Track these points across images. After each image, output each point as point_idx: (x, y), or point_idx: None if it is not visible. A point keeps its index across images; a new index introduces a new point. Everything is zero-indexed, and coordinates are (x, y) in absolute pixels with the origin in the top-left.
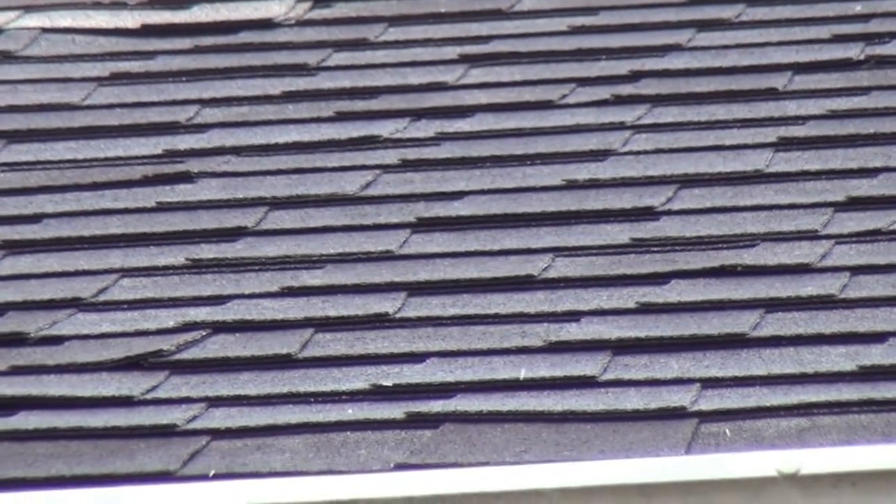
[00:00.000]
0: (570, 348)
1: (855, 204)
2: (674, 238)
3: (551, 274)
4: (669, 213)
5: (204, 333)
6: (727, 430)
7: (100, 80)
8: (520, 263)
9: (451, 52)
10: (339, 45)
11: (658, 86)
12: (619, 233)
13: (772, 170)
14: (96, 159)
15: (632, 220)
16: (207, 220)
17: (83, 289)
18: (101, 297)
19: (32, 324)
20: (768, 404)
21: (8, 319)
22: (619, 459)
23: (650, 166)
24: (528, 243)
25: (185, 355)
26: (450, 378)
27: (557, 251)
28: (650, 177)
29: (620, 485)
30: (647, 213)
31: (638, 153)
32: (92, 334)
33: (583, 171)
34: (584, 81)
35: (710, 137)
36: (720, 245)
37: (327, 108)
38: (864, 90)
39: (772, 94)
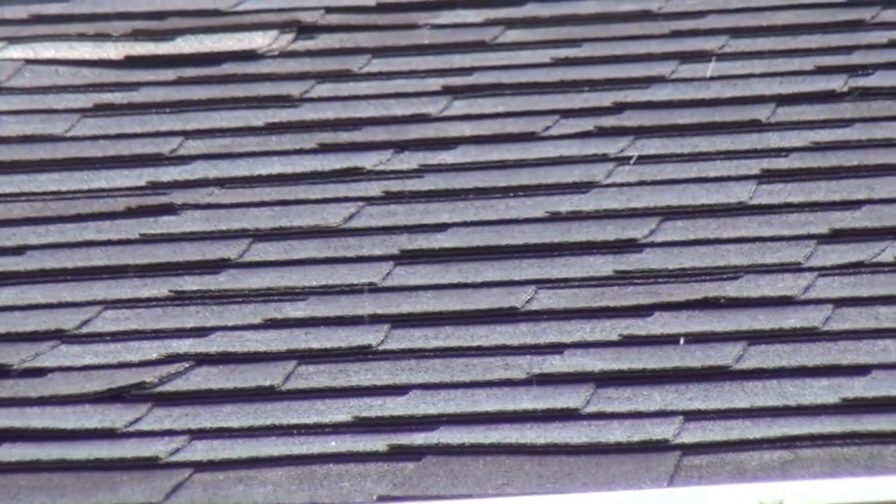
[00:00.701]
0: (553, 381)
1: (838, 236)
2: (657, 270)
3: (534, 306)
4: (652, 245)
5: (187, 365)
6: (709, 463)
7: (83, 112)
8: (503, 296)
9: (435, 83)
10: (323, 77)
11: (641, 117)
12: (603, 265)
13: (755, 202)
14: (80, 191)
15: (615, 252)
16: (191, 252)
17: (66, 321)
18: (85, 329)
19: (15, 356)
20: (751, 437)
21: None
22: (602, 492)
23: (633, 198)
24: (511, 275)
25: (168, 387)
26: (432, 410)
27: (540, 283)
28: (633, 209)
29: None
30: (631, 245)
31: (621, 185)
32: (75, 366)
33: (566, 203)
34: (567, 113)
35: (693, 169)
36: (703, 277)
37: (310, 140)
38: (848, 122)
39: (755, 126)
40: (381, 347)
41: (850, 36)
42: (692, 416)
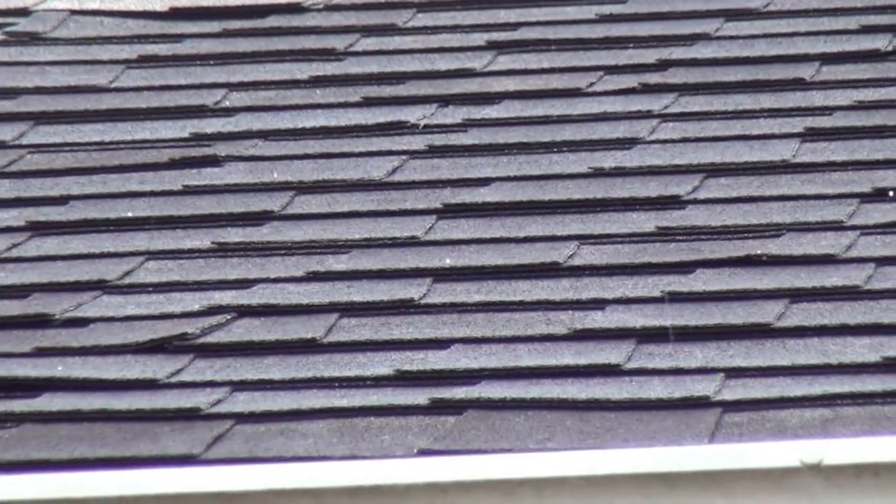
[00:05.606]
0: (595, 336)
1: (881, 195)
2: (699, 227)
3: (576, 261)
4: (695, 202)
5: (229, 317)
6: (750, 420)
7: (128, 63)
8: (545, 251)
9: (479, 38)
10: (368, 31)
11: (685, 75)
12: (645, 221)
13: (798, 160)
14: (123, 142)
15: (658, 209)
16: (234, 204)
17: (109, 271)
18: (127, 280)
19: (57, 305)
20: (792, 395)
21: (33, 301)
22: (643, 448)
23: (677, 155)
24: (553, 230)
25: (210, 339)
26: (474, 365)
27: (583, 239)
28: (676, 165)
29: (643, 473)
30: (673, 202)
31: (664, 142)
32: (117, 317)
33: (609, 159)
34: (611, 70)
35: (736, 127)
36: (746, 234)
37: (355, 94)
38: (892, 81)
39: (799, 85)
40: (423, 301)
41: None
42: (733, 373)
